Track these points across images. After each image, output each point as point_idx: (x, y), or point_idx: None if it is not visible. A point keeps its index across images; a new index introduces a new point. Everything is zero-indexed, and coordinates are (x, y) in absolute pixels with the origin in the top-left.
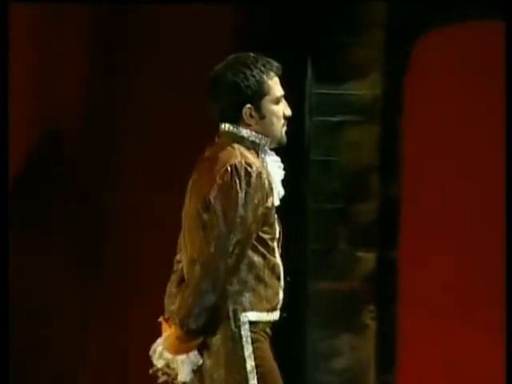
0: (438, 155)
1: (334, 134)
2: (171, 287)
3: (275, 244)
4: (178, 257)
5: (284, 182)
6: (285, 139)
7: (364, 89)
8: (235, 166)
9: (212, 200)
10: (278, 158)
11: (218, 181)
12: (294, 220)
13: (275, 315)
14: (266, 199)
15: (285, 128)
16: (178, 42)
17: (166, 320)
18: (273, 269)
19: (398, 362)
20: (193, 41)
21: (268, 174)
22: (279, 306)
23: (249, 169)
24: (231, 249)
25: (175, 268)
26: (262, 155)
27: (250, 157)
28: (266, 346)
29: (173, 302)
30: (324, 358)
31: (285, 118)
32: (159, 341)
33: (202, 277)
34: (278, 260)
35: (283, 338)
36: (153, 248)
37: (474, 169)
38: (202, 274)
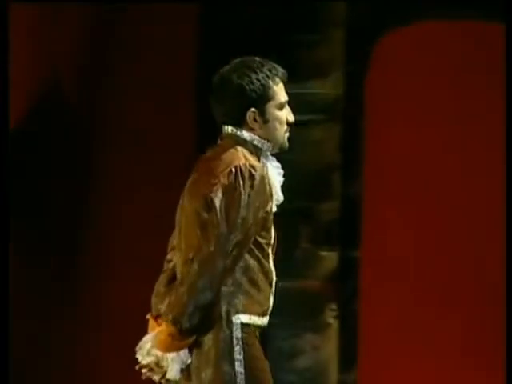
0: (399, 154)
1: (297, 132)
2: (159, 286)
3: (270, 249)
4: (168, 256)
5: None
6: (287, 145)
7: (325, 88)
8: (240, 167)
9: (214, 200)
10: (278, 164)
11: (222, 181)
12: None
13: (265, 320)
14: (267, 203)
15: (287, 134)
16: (144, 41)
17: (155, 318)
18: (266, 274)
19: (359, 360)
20: (154, 40)
21: (269, 179)
22: (269, 312)
23: (253, 171)
24: (230, 249)
25: (165, 267)
26: (264, 160)
27: (253, 160)
28: (256, 348)
29: (161, 301)
30: (286, 357)
31: (288, 123)
32: (146, 338)
33: (198, 275)
34: (272, 266)
35: None
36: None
37: (434, 167)
38: (200, 272)
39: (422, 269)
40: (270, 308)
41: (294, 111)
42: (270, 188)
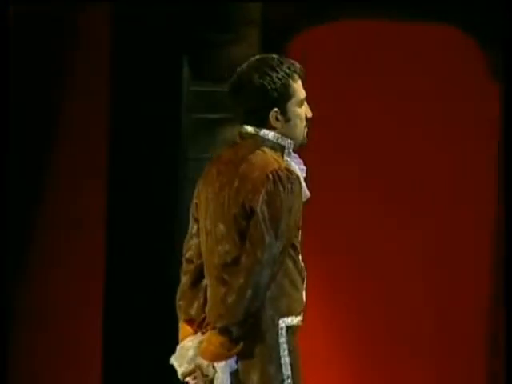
0: (318, 152)
1: (211, 131)
2: (185, 288)
3: (299, 247)
4: (187, 256)
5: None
6: (306, 141)
7: None
8: (277, 173)
9: (256, 209)
10: (300, 161)
11: (261, 189)
12: (171, 218)
13: (301, 317)
14: (301, 204)
15: (306, 130)
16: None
17: (188, 322)
18: (300, 272)
19: None
20: (69, 39)
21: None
22: (303, 309)
23: (290, 176)
24: (277, 256)
25: (186, 268)
26: (287, 158)
27: (282, 162)
28: (298, 350)
29: (189, 304)
30: None
31: (307, 119)
32: (186, 345)
33: (248, 284)
34: (302, 262)
35: (161, 337)
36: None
37: (361, 167)
38: (248, 282)
39: (353, 267)
40: (303, 305)
41: (209, 110)
42: (300, 189)
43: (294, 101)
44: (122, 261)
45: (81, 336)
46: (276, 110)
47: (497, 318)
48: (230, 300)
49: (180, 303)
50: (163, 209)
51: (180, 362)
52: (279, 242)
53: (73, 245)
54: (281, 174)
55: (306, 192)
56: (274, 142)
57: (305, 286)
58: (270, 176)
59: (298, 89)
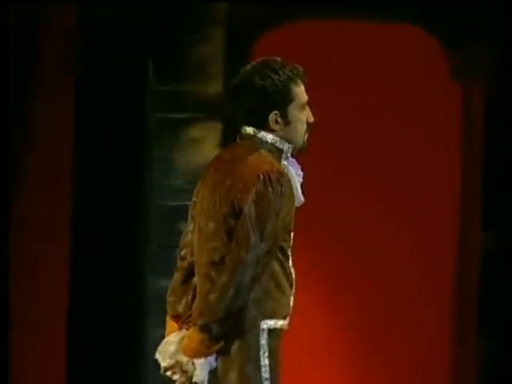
0: None
1: (177, 131)
2: (175, 284)
3: (289, 251)
4: (182, 253)
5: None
6: (306, 145)
7: (206, 86)
8: (268, 174)
9: (244, 208)
10: (298, 166)
11: (251, 189)
12: (136, 218)
13: (287, 321)
14: (292, 208)
15: (307, 135)
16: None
17: (174, 318)
18: (288, 276)
19: None
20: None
21: (292, 182)
22: (289, 313)
23: (281, 178)
24: (261, 257)
25: (179, 265)
26: (285, 162)
27: (277, 165)
28: (280, 355)
29: (178, 301)
30: None
31: (308, 124)
32: (169, 340)
33: (230, 283)
34: (291, 267)
35: (123, 337)
36: None
37: (324, 167)
38: (231, 281)
39: (311, 267)
40: (289, 309)
41: (174, 109)
42: (292, 192)
43: (294, 104)
44: (87, 262)
45: (45, 335)
46: (276, 112)
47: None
48: (212, 297)
49: (170, 299)
50: (129, 208)
51: (163, 356)
52: (264, 243)
53: (38, 245)
54: (271, 175)
55: (300, 197)
56: (271, 145)
57: (293, 291)
58: (261, 176)
59: (300, 93)
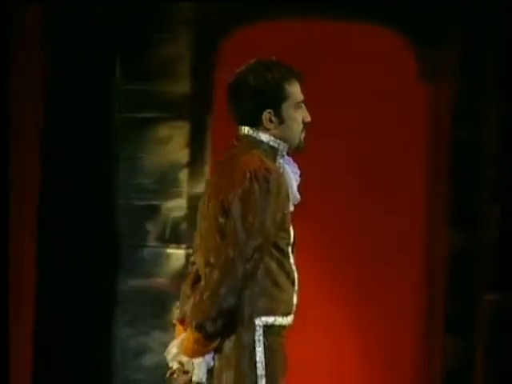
0: None
1: (144, 130)
2: (185, 288)
3: (289, 249)
4: (192, 258)
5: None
6: (303, 144)
7: (173, 86)
8: (254, 172)
9: (231, 206)
10: (295, 164)
11: (237, 187)
12: (103, 217)
13: (290, 319)
14: (284, 205)
15: (303, 134)
16: None
17: (180, 321)
18: (288, 274)
19: None
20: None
21: (285, 180)
22: (293, 311)
23: (268, 175)
24: (250, 254)
25: (189, 270)
26: (280, 161)
27: (269, 163)
28: (278, 352)
29: (185, 303)
30: (133, 355)
31: (304, 123)
32: (174, 342)
33: (220, 281)
34: (293, 265)
35: (92, 336)
36: None
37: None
38: (221, 279)
39: None
40: (295, 307)
41: (141, 109)
42: (287, 189)
43: (288, 103)
44: (54, 261)
45: (12, 333)
46: (269, 110)
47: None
48: (204, 297)
49: (179, 303)
50: (95, 207)
51: (168, 359)
52: (252, 240)
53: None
54: (258, 172)
55: (296, 195)
56: (266, 144)
57: (296, 288)
58: (248, 174)
59: (294, 91)
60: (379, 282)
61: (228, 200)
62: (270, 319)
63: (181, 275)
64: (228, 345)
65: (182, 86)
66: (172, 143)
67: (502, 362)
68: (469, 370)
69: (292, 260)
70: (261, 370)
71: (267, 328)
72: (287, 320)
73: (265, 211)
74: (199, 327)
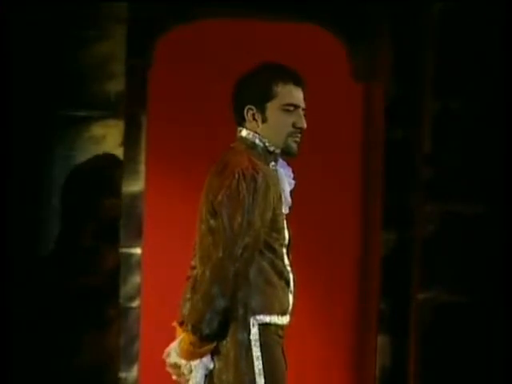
0: (181, 151)
1: (77, 129)
2: (186, 293)
3: (283, 250)
4: (192, 262)
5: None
6: (293, 149)
7: (107, 84)
8: (242, 171)
9: (219, 206)
10: (289, 168)
11: (225, 187)
12: (38, 217)
13: (285, 319)
14: (273, 205)
15: (294, 139)
16: None
17: (180, 324)
18: (281, 274)
19: (141, 358)
20: None
21: (278, 181)
22: (289, 311)
23: (255, 174)
24: (239, 253)
25: (189, 274)
26: (273, 163)
27: (259, 163)
28: (274, 348)
29: (184, 307)
30: (65, 354)
31: (296, 127)
32: (172, 345)
33: (211, 282)
34: (287, 265)
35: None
36: None
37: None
38: (211, 279)
39: None
40: (290, 307)
41: (74, 107)
42: (278, 189)
43: (275, 102)
44: None
45: None
46: (250, 107)
47: None
48: (195, 298)
49: (180, 306)
50: (28, 206)
51: (167, 361)
52: (241, 240)
53: None
54: (246, 172)
55: (287, 199)
56: (259, 146)
57: (291, 288)
58: (236, 174)
59: (284, 93)
60: (313, 281)
61: (217, 200)
62: (266, 318)
63: (115, 274)
64: (225, 345)
65: (116, 85)
66: (106, 142)
67: (435, 360)
68: (402, 369)
69: (287, 261)
70: (259, 367)
71: (263, 327)
72: (282, 320)
73: (253, 210)
74: (194, 329)
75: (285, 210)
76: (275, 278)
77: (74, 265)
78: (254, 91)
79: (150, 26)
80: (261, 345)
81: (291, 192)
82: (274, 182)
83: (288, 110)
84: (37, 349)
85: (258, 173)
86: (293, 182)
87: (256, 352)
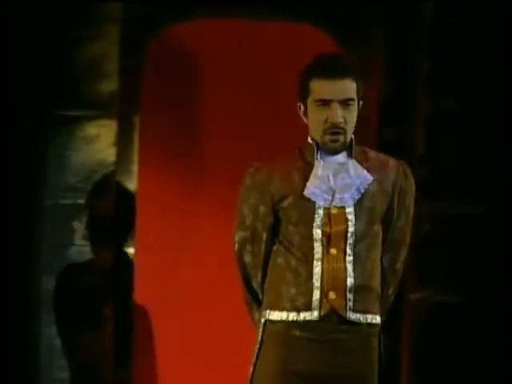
0: (173, 151)
1: (71, 128)
2: None
3: (313, 243)
4: None
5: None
6: (329, 146)
7: (101, 84)
8: (249, 167)
9: None
10: (335, 163)
11: None
12: (28, 215)
13: (301, 316)
14: (266, 200)
15: (329, 136)
16: None
17: None
18: (296, 269)
19: (134, 357)
20: None
21: (288, 175)
22: (306, 307)
23: (251, 170)
24: (236, 247)
25: None
26: (317, 157)
27: (279, 159)
28: (272, 347)
29: None
30: (60, 354)
31: (328, 123)
32: None
33: (239, 270)
34: (305, 260)
35: (14, 336)
36: None
37: (211, 163)
38: (238, 268)
39: (197, 265)
40: (314, 302)
41: (68, 106)
42: (277, 185)
43: (310, 99)
44: None
45: None
46: (299, 104)
47: None
48: None
49: None
50: (21, 205)
51: None
52: (241, 231)
53: None
54: (249, 168)
55: (313, 191)
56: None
57: (313, 283)
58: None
59: (315, 89)
60: None
61: None
62: (273, 315)
63: (108, 274)
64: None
65: (109, 84)
66: (99, 142)
67: (429, 360)
68: (396, 369)
69: (318, 255)
70: (253, 358)
71: (267, 321)
72: (297, 316)
73: (243, 204)
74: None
75: (324, 203)
76: (289, 275)
77: (67, 265)
78: (297, 88)
79: (143, 26)
80: (262, 340)
81: (359, 187)
82: (272, 176)
83: (320, 106)
84: (34, 348)
85: (251, 168)
86: (332, 178)
87: (257, 347)
